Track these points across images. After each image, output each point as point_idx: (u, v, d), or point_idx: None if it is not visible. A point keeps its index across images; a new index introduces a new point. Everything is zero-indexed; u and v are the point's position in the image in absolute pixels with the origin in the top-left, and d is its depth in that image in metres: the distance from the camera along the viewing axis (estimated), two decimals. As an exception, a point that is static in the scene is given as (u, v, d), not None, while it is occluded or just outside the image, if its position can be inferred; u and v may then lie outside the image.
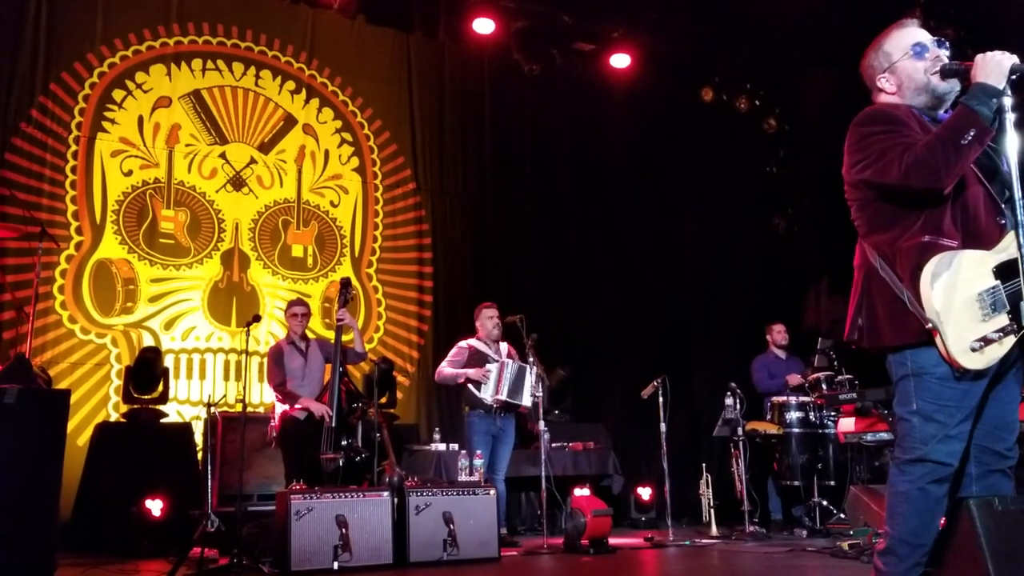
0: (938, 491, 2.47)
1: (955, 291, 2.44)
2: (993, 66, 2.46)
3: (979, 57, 2.51)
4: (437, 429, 7.51)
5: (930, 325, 2.43)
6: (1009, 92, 2.46)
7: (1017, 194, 2.42)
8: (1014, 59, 2.47)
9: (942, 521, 2.53)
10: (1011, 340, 2.44)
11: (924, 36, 2.69)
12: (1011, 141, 2.48)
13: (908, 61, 2.67)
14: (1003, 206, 2.58)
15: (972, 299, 2.45)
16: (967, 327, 2.43)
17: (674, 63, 9.59)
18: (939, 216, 2.52)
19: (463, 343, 6.71)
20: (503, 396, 6.40)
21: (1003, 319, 2.44)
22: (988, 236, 2.53)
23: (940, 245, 2.48)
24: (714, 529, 7.03)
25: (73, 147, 7.33)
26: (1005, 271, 2.47)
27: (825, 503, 7.03)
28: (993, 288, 2.46)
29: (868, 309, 2.62)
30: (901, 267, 2.52)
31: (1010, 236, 2.53)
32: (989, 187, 2.59)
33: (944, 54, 2.66)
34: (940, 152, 2.42)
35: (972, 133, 2.41)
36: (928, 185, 2.45)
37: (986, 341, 2.42)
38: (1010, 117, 2.46)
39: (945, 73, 2.63)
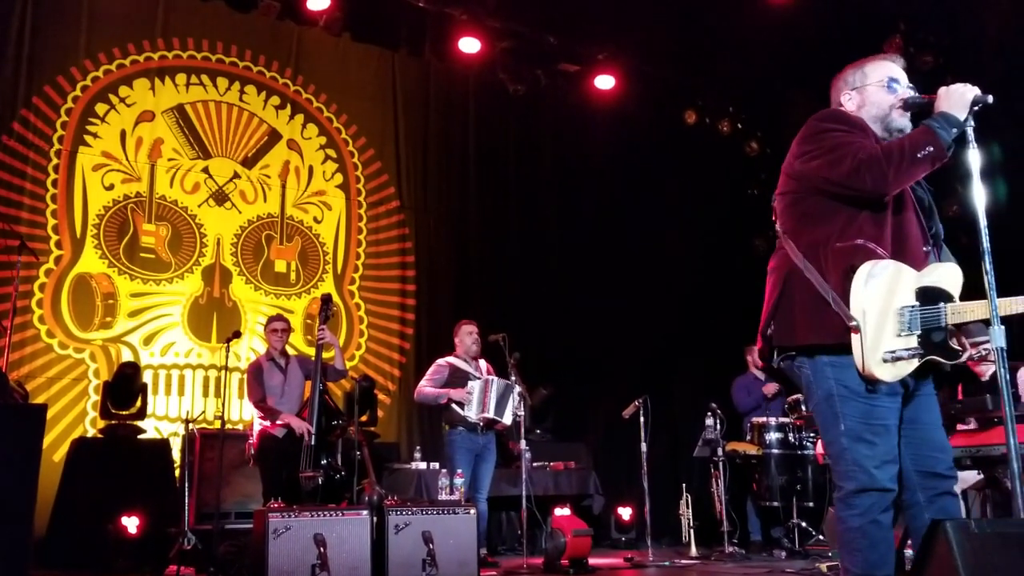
0: (887, 519, 2.50)
1: (883, 298, 2.49)
2: (956, 97, 2.52)
3: (943, 89, 2.57)
4: (418, 448, 7.48)
5: (854, 323, 2.45)
6: (972, 122, 2.51)
7: (982, 222, 2.47)
8: (976, 91, 2.53)
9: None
10: (916, 363, 2.49)
11: (902, 75, 2.76)
12: (974, 160, 2.52)
13: (878, 90, 2.74)
14: (929, 238, 2.67)
15: (894, 311, 2.51)
16: (884, 337, 2.48)
17: (658, 86, 9.67)
18: (875, 224, 2.57)
19: (441, 361, 6.69)
20: (490, 413, 6.38)
21: (913, 340, 2.50)
22: (916, 259, 2.60)
23: (874, 251, 2.53)
24: (693, 549, 7.03)
25: (55, 160, 7.30)
26: (925, 295, 2.54)
27: (804, 524, 7.05)
28: (912, 307, 2.52)
29: (785, 309, 2.64)
30: (831, 266, 2.55)
31: (934, 265, 2.62)
32: (921, 217, 2.67)
33: (910, 95, 2.72)
34: (896, 157, 2.48)
35: (929, 151, 2.47)
36: (874, 187, 2.50)
37: (896, 356, 2.46)
38: (973, 146, 2.52)
39: (908, 105, 2.70)
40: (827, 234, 2.59)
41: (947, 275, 2.60)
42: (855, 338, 2.46)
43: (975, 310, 2.54)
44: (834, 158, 2.57)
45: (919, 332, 2.50)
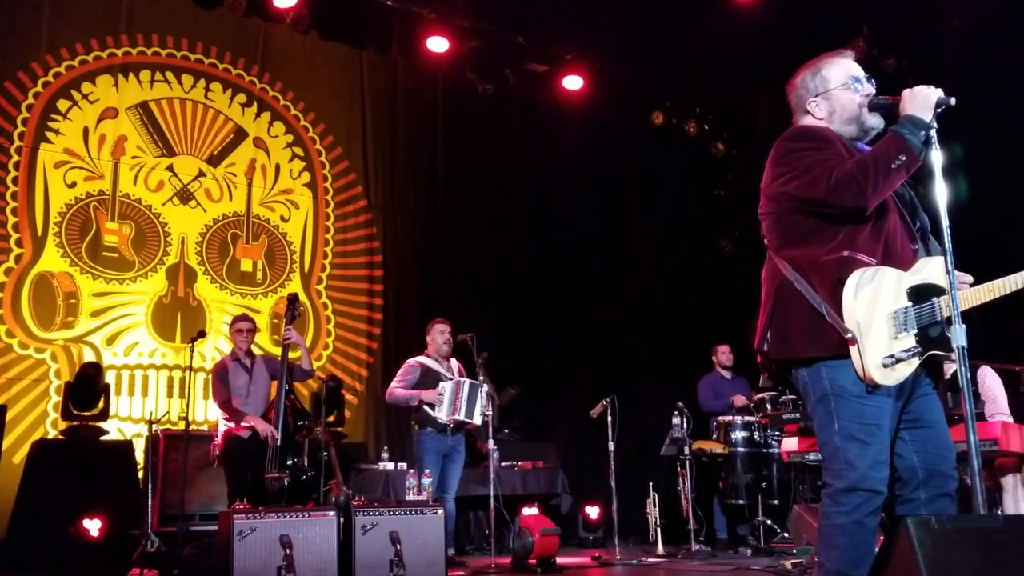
0: (873, 522, 2.50)
1: (875, 305, 2.51)
2: (921, 99, 2.55)
3: (907, 92, 2.59)
4: (386, 448, 7.46)
5: (850, 335, 2.47)
6: (935, 124, 2.54)
7: (944, 221, 2.50)
8: (939, 92, 2.55)
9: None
10: (916, 361, 2.51)
11: (859, 71, 2.78)
12: (937, 160, 2.55)
13: (845, 92, 2.74)
14: (916, 234, 2.69)
15: (888, 316, 2.52)
16: (881, 343, 2.50)
17: (626, 87, 9.71)
18: (858, 235, 2.58)
19: (412, 360, 6.67)
20: (460, 416, 6.37)
21: (911, 340, 2.51)
22: (904, 259, 2.62)
23: (860, 261, 2.54)
24: (660, 548, 7.07)
25: (15, 157, 7.17)
26: (917, 294, 2.56)
27: (769, 522, 7.12)
28: (906, 308, 2.53)
29: (780, 322, 2.65)
30: (820, 280, 2.56)
31: (923, 261, 2.64)
32: (904, 215, 2.69)
33: (873, 91, 2.74)
34: (871, 172, 2.49)
35: (902, 159, 2.49)
36: (854, 203, 2.51)
37: (895, 359, 2.48)
38: (936, 147, 2.55)
39: (873, 107, 2.71)
40: (812, 248, 2.60)
41: (936, 269, 2.60)
42: (853, 349, 2.48)
43: (968, 298, 2.58)
44: (810, 179, 2.58)
45: (916, 331, 2.52)
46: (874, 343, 2.48)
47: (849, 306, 2.49)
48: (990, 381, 5.60)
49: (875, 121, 2.72)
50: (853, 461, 2.49)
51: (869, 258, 2.55)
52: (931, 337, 2.53)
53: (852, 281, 2.50)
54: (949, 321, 2.54)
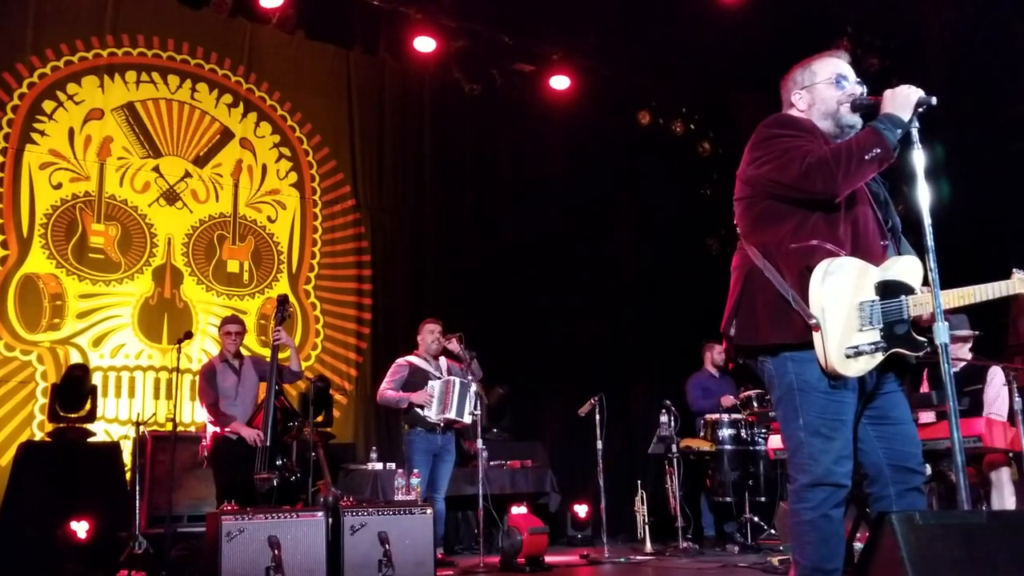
0: (838, 514, 2.54)
1: (842, 294, 2.53)
2: (901, 99, 2.58)
3: (888, 92, 2.62)
4: (374, 448, 7.45)
5: (814, 321, 2.49)
6: (916, 123, 2.57)
7: (926, 219, 2.52)
8: (920, 93, 2.58)
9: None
10: (880, 356, 2.53)
11: (849, 71, 2.81)
12: (919, 160, 2.58)
13: (827, 87, 2.79)
14: (887, 232, 2.72)
15: (854, 307, 2.54)
16: (845, 332, 2.52)
17: (612, 86, 9.74)
18: (829, 224, 2.61)
19: (401, 360, 6.68)
20: (451, 414, 6.38)
21: (876, 335, 2.53)
22: (873, 254, 2.65)
23: (829, 250, 2.57)
24: (648, 545, 7.10)
25: (0, 159, 7.13)
26: (885, 289, 2.58)
27: (756, 519, 7.16)
28: (873, 302, 2.56)
29: (747, 308, 2.68)
30: (788, 267, 2.59)
31: (894, 259, 2.66)
32: (877, 211, 2.71)
33: (860, 92, 2.77)
34: (844, 160, 2.52)
35: (876, 152, 2.52)
36: (824, 189, 2.54)
37: (858, 351, 2.50)
38: (918, 146, 2.58)
39: (856, 107, 2.74)
40: (782, 236, 2.63)
41: (907, 268, 2.64)
42: (816, 336, 2.49)
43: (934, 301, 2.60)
44: (783, 162, 2.61)
45: (881, 326, 2.53)
46: (838, 332, 2.50)
47: (815, 292, 2.51)
48: (997, 382, 5.61)
49: (853, 120, 2.75)
50: (816, 456, 2.53)
51: (838, 248, 2.58)
52: (897, 335, 2.55)
53: (820, 268, 2.53)
54: (916, 321, 2.57)
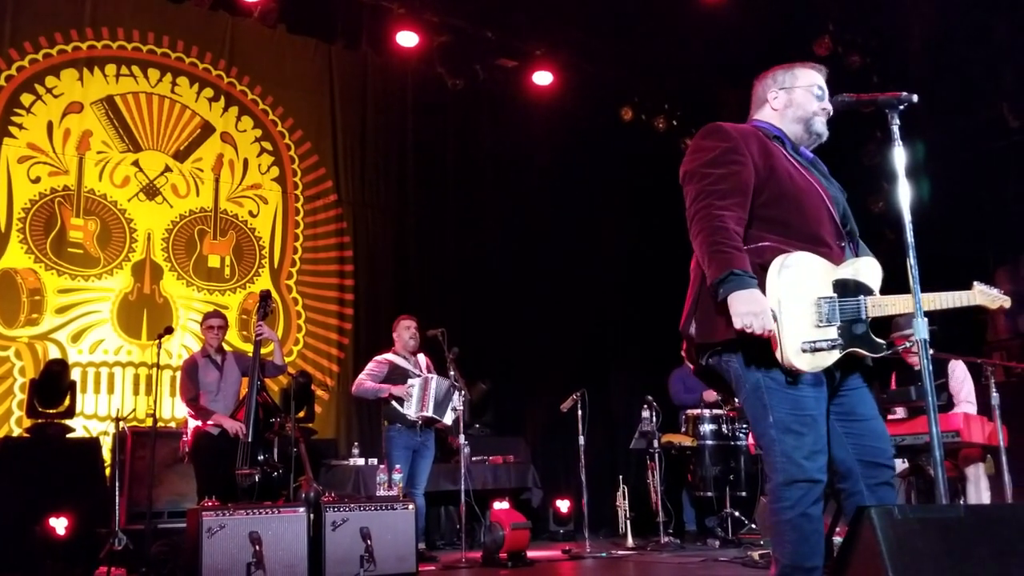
0: (817, 511, 2.54)
1: (798, 288, 2.54)
2: (744, 299, 2.51)
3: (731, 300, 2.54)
4: (356, 444, 7.44)
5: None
6: (898, 121, 2.62)
7: (906, 217, 2.54)
8: (764, 322, 2.52)
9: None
10: (836, 354, 2.53)
11: (825, 88, 2.86)
12: (900, 158, 2.60)
13: (806, 93, 2.84)
14: (844, 234, 2.73)
15: (811, 302, 2.55)
16: (801, 327, 2.52)
17: (595, 82, 9.74)
18: (784, 225, 2.64)
19: (381, 357, 6.66)
20: (428, 412, 6.38)
21: (833, 332, 2.54)
22: (831, 256, 2.65)
23: (784, 249, 2.59)
24: (630, 540, 7.13)
25: (-23, 152, 7.06)
26: (844, 288, 2.59)
27: (737, 514, 7.20)
28: (831, 298, 2.56)
29: (704, 306, 2.68)
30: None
31: (853, 259, 2.68)
32: (835, 215, 2.73)
33: (831, 110, 2.83)
34: (702, 238, 2.63)
35: (713, 272, 2.54)
36: (692, 231, 2.71)
37: (814, 347, 2.51)
38: (898, 144, 2.60)
39: (839, 105, 2.79)
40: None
41: (865, 268, 2.65)
42: (773, 327, 2.49)
43: (896, 304, 2.59)
44: (697, 191, 2.81)
45: (839, 324, 2.54)
46: (794, 325, 2.51)
47: (772, 284, 2.52)
48: (960, 374, 5.69)
49: (822, 129, 2.82)
50: (789, 453, 2.53)
51: (791, 249, 2.59)
52: (854, 334, 2.56)
53: (778, 261, 2.55)
54: (874, 322, 2.58)
